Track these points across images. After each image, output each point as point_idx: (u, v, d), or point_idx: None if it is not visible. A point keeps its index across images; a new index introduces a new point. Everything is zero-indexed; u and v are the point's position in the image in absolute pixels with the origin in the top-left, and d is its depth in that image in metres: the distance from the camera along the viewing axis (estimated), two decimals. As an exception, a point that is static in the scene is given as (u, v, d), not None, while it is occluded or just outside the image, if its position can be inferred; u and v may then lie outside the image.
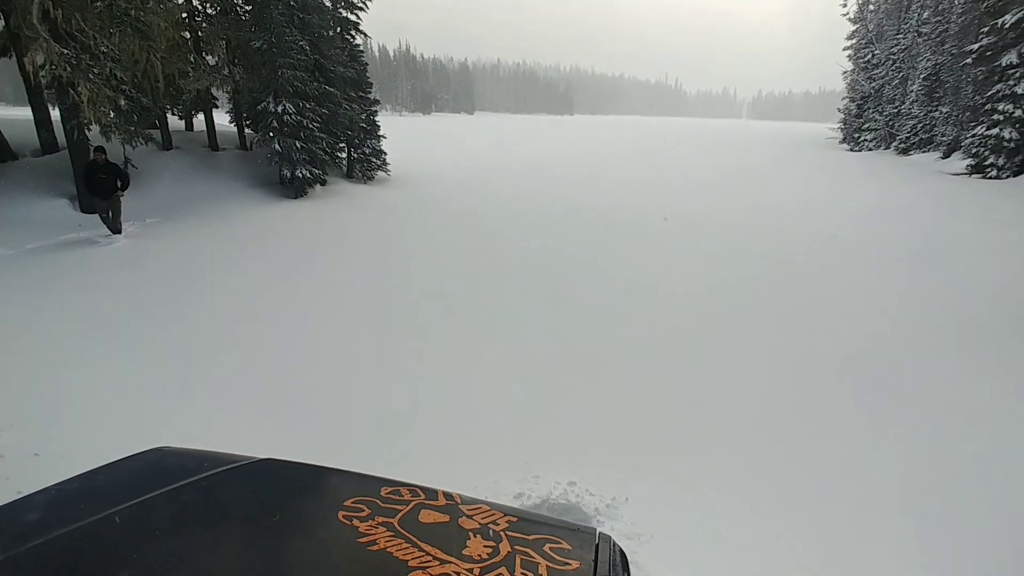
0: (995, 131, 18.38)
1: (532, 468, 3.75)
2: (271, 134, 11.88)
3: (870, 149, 33.84)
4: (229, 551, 1.24)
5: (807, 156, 30.80)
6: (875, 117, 34.32)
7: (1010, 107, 18.08)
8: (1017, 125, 18.05)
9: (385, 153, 15.79)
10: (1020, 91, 17.86)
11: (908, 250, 9.64)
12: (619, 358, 5.76)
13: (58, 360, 4.96)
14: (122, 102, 9.63)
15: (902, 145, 29.75)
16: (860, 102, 36.26)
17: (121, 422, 3.99)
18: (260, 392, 4.69)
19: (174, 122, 14.02)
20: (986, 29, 19.00)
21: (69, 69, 8.38)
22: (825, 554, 3.23)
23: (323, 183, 13.03)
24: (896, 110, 32.47)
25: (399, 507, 1.40)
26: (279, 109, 11.59)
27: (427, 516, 1.39)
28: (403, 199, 13.52)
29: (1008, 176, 18.20)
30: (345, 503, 1.38)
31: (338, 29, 14.45)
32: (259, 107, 12.12)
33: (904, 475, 3.96)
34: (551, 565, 1.25)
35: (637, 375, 5.41)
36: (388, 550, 1.21)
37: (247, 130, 14.43)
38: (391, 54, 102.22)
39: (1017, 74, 17.94)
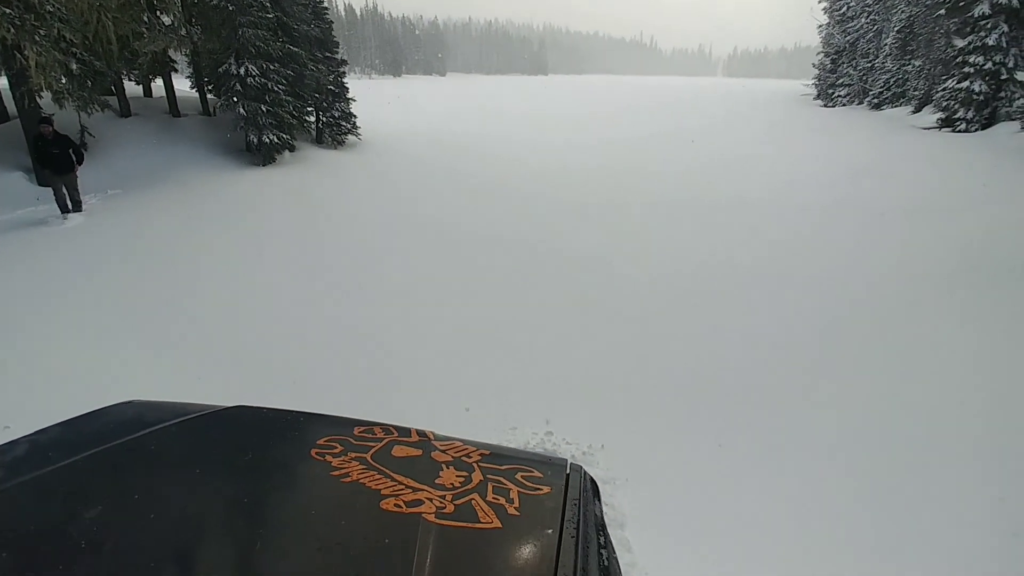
0: (965, 84, 18.49)
1: (509, 420, 3.78)
2: (235, 98, 11.38)
3: (844, 104, 33.94)
4: (200, 488, 1.25)
5: (780, 113, 30.72)
6: (849, 72, 34.32)
7: (980, 59, 18.16)
8: (987, 78, 18.18)
9: (355, 116, 15.31)
10: (991, 42, 17.92)
11: (873, 206, 9.77)
12: (595, 315, 5.78)
13: (23, 336, 4.81)
14: (74, 66, 9.09)
15: (875, 100, 29.89)
16: (835, 56, 36.17)
17: (90, 394, 3.89)
18: (228, 361, 4.60)
19: (131, 88, 13.36)
20: (959, -21, 18.89)
21: (13, 31, 7.86)
22: (793, 501, 3.33)
23: (292, 149, 12.62)
24: (870, 64, 32.47)
25: (372, 444, 1.42)
26: (241, 71, 11.10)
27: (400, 451, 1.41)
28: (375, 164, 13.21)
29: (976, 129, 18.43)
30: (318, 442, 1.40)
31: (300, -16, 13.79)
32: (220, 69, 11.58)
33: (882, 422, 4.08)
34: (522, 491, 1.29)
35: (613, 331, 5.44)
36: (361, 481, 1.23)
37: (209, 95, 13.85)
38: (358, 12, 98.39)
39: (988, 25, 17.98)
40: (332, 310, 5.71)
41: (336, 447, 1.38)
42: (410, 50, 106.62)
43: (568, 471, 1.45)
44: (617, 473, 3.39)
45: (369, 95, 23.15)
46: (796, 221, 9.05)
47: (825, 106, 35.15)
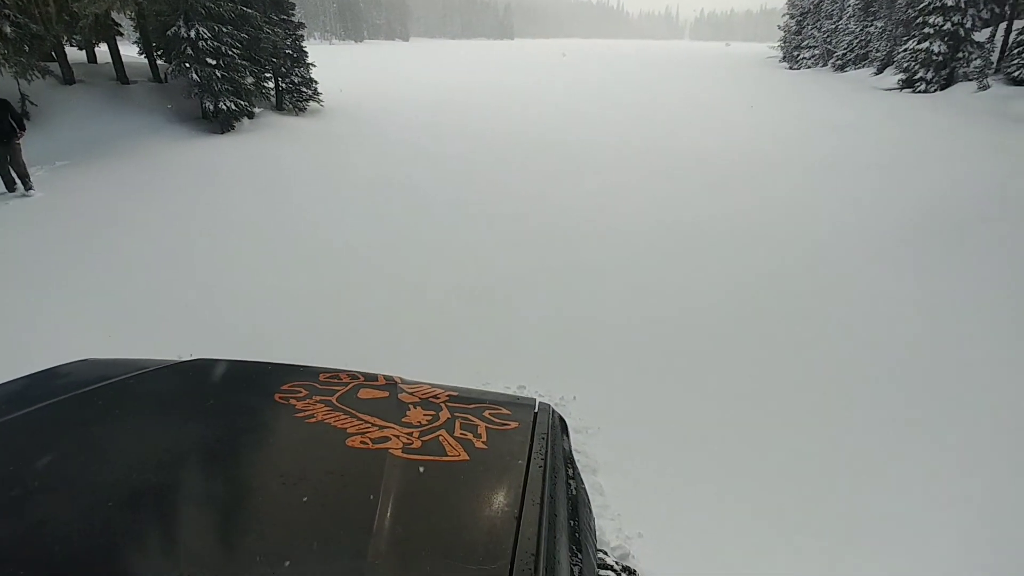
0: (925, 45, 18.80)
1: (482, 376, 3.78)
2: (186, 63, 10.85)
3: (808, 67, 34.21)
4: (157, 432, 1.24)
5: (749, 77, 30.78)
6: (814, 34, 34.51)
7: (940, 20, 18.44)
8: (946, 38, 18.48)
9: (316, 82, 14.79)
10: (949, 3, 18.18)
11: (831, 164, 9.94)
12: (559, 268, 5.83)
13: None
14: (7, 29, 8.53)
15: (839, 62, 30.21)
16: (800, 18, 36.29)
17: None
18: (189, 337, 4.47)
19: (74, 54, 12.61)
20: (921, -62, 19.00)
21: (-65, -11, 7.30)
22: (762, 443, 3.43)
23: (251, 116, 12.13)
24: (834, 26, 32.68)
25: (338, 388, 1.43)
26: (192, 34, 10.55)
27: (367, 393, 1.42)
28: (337, 130, 12.82)
29: (936, 89, 18.82)
30: (281, 387, 1.40)
31: (251, -58, 13.06)
32: (169, 33, 10.99)
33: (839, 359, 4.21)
34: (490, 426, 1.31)
35: (580, 286, 5.48)
36: (326, 421, 1.24)
37: (160, 60, 13.16)
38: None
39: (948, -15, 18.19)
40: (294, 273, 5.58)
41: (300, 391, 1.38)
42: (372, 14, 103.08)
43: (536, 409, 1.48)
44: (590, 422, 3.44)
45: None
46: (767, 179, 9.14)
47: (790, 68, 35.38)
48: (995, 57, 18.54)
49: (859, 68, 28.48)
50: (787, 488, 3.08)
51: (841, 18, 31.65)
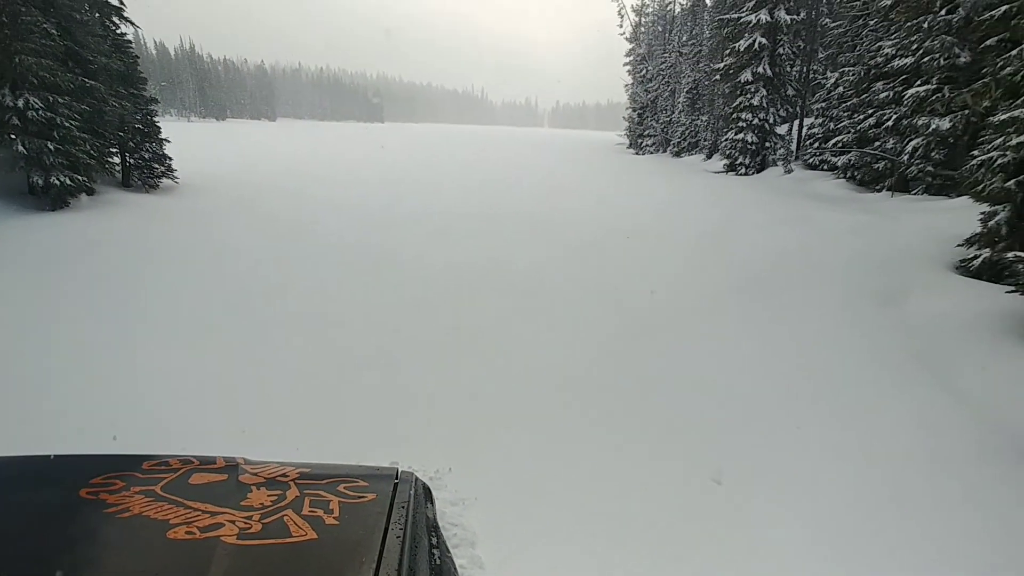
0: (741, 136, 22.19)
1: (354, 454, 3.59)
2: (12, 135, 9.78)
3: (651, 152, 38.63)
4: None
5: (604, 162, 33.99)
6: (653, 125, 39.30)
7: (750, 116, 21.96)
8: (756, 131, 22.02)
9: (170, 158, 13.97)
10: (755, 103, 21.78)
11: (670, 234, 11.20)
12: (429, 339, 5.83)
13: None
14: None
15: (675, 149, 34.49)
16: (640, 111, 41.21)
17: None
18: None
19: None
20: (727, 51, 22.84)
21: None
22: (625, 492, 3.59)
23: (90, 192, 11.08)
24: (669, 119, 37.54)
25: (164, 476, 1.30)
26: (20, 103, 9.58)
27: (200, 479, 1.31)
28: (186, 210, 11.99)
29: (753, 172, 22.11)
30: (91, 482, 1.25)
31: (96, 14, 12.42)
32: (-9, 101, 9.92)
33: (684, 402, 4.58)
34: (344, 500, 1.26)
35: (448, 358, 5.52)
36: (144, 514, 1.13)
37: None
38: (172, 52, 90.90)
39: (753, 88, 21.86)
40: (161, 353, 5.04)
41: (115, 484, 1.25)
42: (236, 94, 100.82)
43: (397, 479, 1.43)
44: (466, 494, 3.37)
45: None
46: (614, 246, 9.98)
47: (636, 153, 39.72)
48: (794, 147, 22.44)
49: (692, 154, 32.78)
50: (672, 538, 3.21)
51: (674, 112, 36.51)
